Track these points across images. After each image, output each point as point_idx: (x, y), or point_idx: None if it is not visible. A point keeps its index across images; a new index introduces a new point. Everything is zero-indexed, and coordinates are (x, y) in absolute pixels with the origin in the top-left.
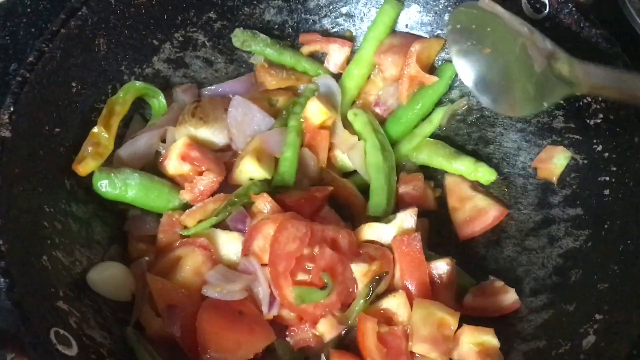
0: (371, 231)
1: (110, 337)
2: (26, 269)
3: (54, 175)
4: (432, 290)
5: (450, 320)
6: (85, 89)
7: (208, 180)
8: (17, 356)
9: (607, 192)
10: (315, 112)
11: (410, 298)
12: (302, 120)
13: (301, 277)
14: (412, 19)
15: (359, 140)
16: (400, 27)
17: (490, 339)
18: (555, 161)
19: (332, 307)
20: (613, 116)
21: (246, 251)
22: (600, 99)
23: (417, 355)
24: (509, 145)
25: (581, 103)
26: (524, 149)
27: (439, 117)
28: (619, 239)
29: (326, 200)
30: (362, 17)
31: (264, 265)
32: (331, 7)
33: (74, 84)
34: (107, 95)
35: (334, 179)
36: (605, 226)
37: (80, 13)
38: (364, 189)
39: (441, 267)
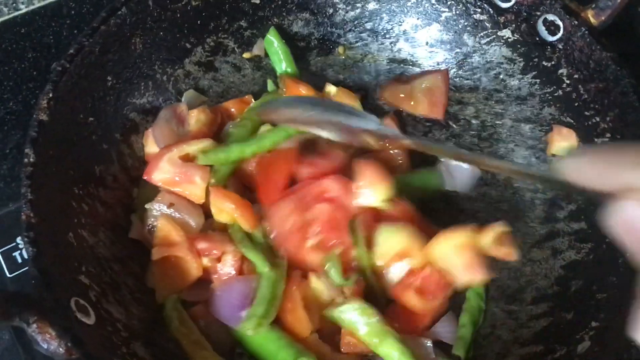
0: None
1: (127, 314)
2: (53, 242)
3: (85, 161)
4: None
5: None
6: (120, 84)
7: (230, 262)
8: (39, 319)
9: None
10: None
11: None
12: None
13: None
14: (432, 36)
15: None
16: (422, 43)
17: (499, 228)
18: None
19: None
20: (620, 136)
21: None
22: (608, 118)
23: None
24: (520, 161)
25: (590, 122)
26: (534, 164)
27: None
28: (619, 252)
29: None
30: (385, 34)
31: None
32: (356, 22)
33: (109, 78)
34: (139, 91)
35: None
36: (607, 240)
37: (120, 12)
38: None
39: None
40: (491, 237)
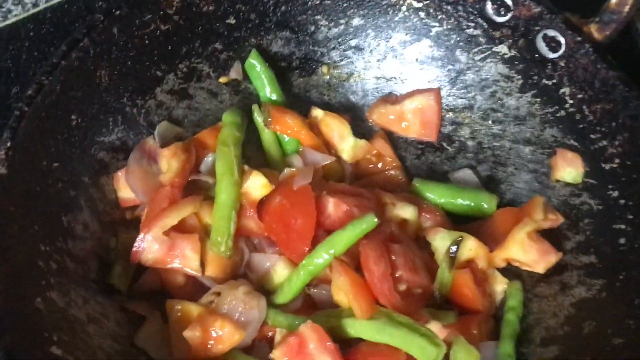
0: None
1: None
2: (18, 313)
3: (50, 212)
4: None
5: None
6: (86, 122)
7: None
8: None
9: (622, 240)
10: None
11: None
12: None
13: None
14: (422, 52)
15: None
16: (411, 60)
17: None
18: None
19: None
20: (631, 162)
21: None
22: (617, 142)
23: None
24: (521, 186)
25: (597, 146)
26: (536, 190)
27: None
28: (636, 291)
29: None
30: (371, 50)
31: None
32: (340, 39)
33: (73, 117)
34: (107, 128)
35: None
36: (621, 277)
37: (81, 44)
38: None
39: None
40: (541, 211)
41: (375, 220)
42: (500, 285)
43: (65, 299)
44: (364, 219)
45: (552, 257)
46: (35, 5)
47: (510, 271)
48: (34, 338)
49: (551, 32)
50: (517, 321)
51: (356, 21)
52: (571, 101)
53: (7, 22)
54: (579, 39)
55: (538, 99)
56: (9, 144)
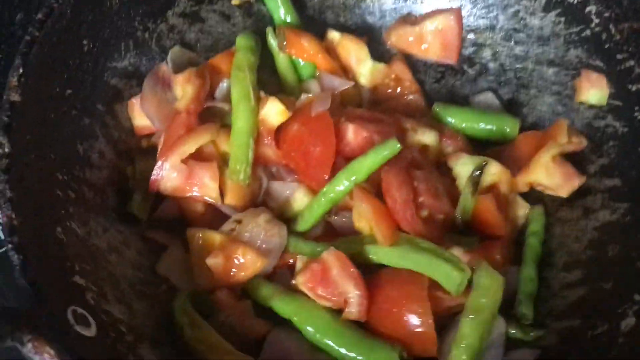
0: None
1: (129, 313)
2: (40, 243)
3: (66, 140)
4: None
5: None
6: (97, 47)
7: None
8: (34, 338)
9: None
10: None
11: None
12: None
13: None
14: None
15: None
16: None
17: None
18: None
19: None
20: None
21: None
22: None
23: None
24: (544, 108)
25: (623, 67)
26: (559, 112)
27: None
28: None
29: None
30: None
31: None
32: None
33: (85, 42)
34: (119, 53)
35: None
36: None
37: None
38: None
39: None
40: (565, 134)
41: (398, 145)
42: (522, 210)
43: (86, 228)
44: (386, 144)
45: (576, 181)
46: None
47: (532, 196)
48: (57, 268)
49: None
50: (540, 246)
51: None
52: (597, 20)
53: None
54: None
55: (562, 18)
56: (21, 70)
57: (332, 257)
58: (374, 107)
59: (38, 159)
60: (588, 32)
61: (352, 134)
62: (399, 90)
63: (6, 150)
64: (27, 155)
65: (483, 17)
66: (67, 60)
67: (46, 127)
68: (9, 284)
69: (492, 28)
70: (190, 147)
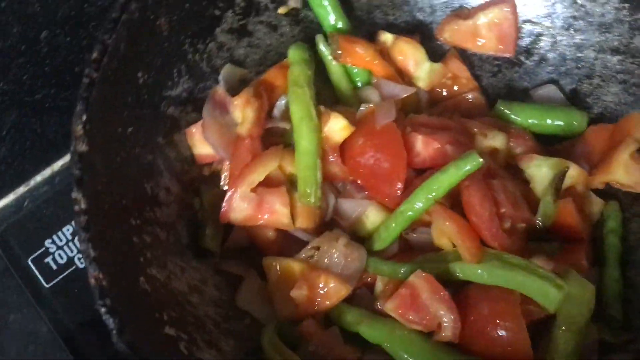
0: None
1: (220, 354)
2: (130, 299)
3: (134, 182)
4: None
5: None
6: (152, 77)
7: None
8: None
9: None
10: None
11: None
12: None
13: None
14: None
15: None
16: None
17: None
18: None
19: None
20: None
21: None
22: None
23: None
24: (609, 98)
25: None
26: (627, 102)
27: None
28: None
29: None
30: None
31: None
32: None
33: (139, 74)
34: (172, 80)
35: None
36: None
37: None
38: None
39: None
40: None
41: (481, 160)
42: (596, 206)
43: (165, 272)
44: (466, 159)
45: None
46: None
47: (604, 190)
48: (149, 323)
49: None
50: (620, 243)
51: None
52: None
53: None
54: None
55: (626, 4)
56: (84, 117)
57: (421, 281)
58: (432, 109)
59: (111, 208)
60: None
61: (422, 145)
62: (455, 88)
63: (83, 206)
64: (102, 207)
65: (540, 6)
66: (125, 97)
67: (114, 173)
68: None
69: (549, 16)
70: (259, 175)
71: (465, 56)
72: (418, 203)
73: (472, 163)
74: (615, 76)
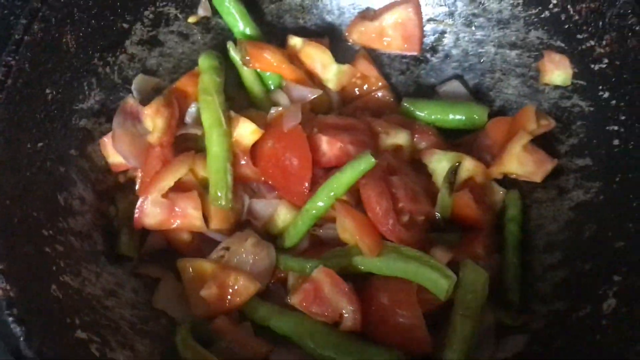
0: None
1: (134, 355)
2: (39, 307)
3: (45, 194)
4: None
5: None
6: (61, 93)
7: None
8: None
9: (616, 142)
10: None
11: None
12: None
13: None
14: None
15: None
16: None
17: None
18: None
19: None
20: (620, 62)
21: None
22: (604, 42)
23: None
24: (510, 91)
25: (584, 47)
26: (525, 94)
27: None
28: (633, 194)
29: None
30: None
31: None
32: None
33: (48, 91)
34: (84, 94)
35: None
36: (617, 179)
37: (41, 14)
38: None
39: None
40: (533, 120)
41: (373, 160)
42: (498, 195)
43: (79, 279)
44: (361, 159)
45: (548, 165)
46: None
47: (507, 179)
48: (59, 328)
49: None
50: (519, 230)
51: None
52: (555, 1)
53: None
54: None
55: (520, 1)
56: None
57: (323, 276)
58: (343, 109)
59: (21, 221)
60: (547, 13)
61: (327, 145)
62: (365, 87)
63: None
64: (10, 221)
65: (441, 5)
66: (33, 114)
67: (24, 187)
68: None
69: (451, 15)
70: (169, 182)
71: (375, 56)
72: (320, 202)
73: (366, 163)
74: (515, 70)
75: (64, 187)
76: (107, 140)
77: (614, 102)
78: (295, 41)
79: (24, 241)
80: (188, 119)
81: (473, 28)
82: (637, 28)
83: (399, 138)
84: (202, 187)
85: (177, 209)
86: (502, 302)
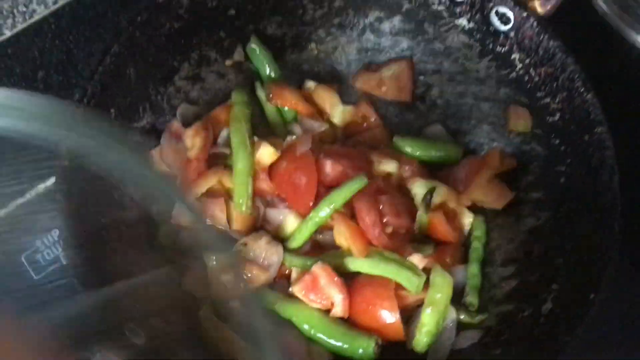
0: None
1: (167, 324)
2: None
3: (104, 189)
4: None
5: None
6: (121, 113)
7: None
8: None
9: (563, 180)
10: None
11: None
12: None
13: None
14: (395, 26)
15: None
16: (386, 33)
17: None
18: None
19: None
20: (569, 115)
21: None
22: (557, 99)
23: None
24: (482, 135)
25: (542, 103)
26: (494, 138)
27: None
28: (572, 221)
29: None
30: (352, 27)
31: None
32: (325, 19)
33: (112, 111)
34: (138, 115)
35: None
36: (561, 209)
37: (112, 50)
38: None
39: None
40: (497, 160)
41: (366, 180)
42: (467, 218)
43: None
44: (356, 180)
45: (508, 196)
46: (55, 2)
47: (476, 207)
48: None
49: (502, 9)
50: (482, 247)
51: (337, 3)
52: (520, 65)
53: (33, 19)
54: (525, 14)
55: (494, 63)
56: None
57: (320, 270)
58: (346, 141)
59: (84, 211)
60: (514, 74)
61: (330, 168)
62: (365, 125)
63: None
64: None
65: (431, 63)
66: None
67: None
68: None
69: (438, 71)
70: (201, 189)
71: (374, 100)
72: (322, 212)
73: (360, 182)
74: (487, 118)
75: (118, 187)
76: (154, 154)
77: (563, 147)
78: (310, 84)
79: (88, 226)
80: (220, 141)
81: (455, 83)
82: (582, 90)
83: (389, 167)
84: (228, 196)
85: (207, 211)
86: (464, 304)
